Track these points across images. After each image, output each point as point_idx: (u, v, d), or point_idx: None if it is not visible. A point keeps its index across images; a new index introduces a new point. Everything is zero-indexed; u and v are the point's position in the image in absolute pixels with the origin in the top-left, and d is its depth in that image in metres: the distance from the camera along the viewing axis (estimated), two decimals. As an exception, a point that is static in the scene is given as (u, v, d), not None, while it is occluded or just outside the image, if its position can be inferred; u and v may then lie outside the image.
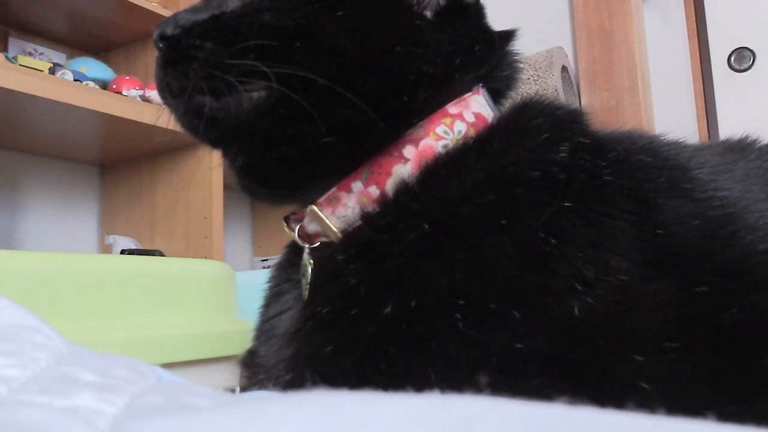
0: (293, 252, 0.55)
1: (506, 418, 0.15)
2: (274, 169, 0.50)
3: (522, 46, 0.55)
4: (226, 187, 1.64)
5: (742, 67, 1.87)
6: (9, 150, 1.62)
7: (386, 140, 0.47)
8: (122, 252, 1.57)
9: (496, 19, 0.55)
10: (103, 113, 1.39)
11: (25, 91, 1.23)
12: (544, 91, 1.47)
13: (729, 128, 1.27)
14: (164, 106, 0.52)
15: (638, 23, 1.68)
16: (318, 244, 0.49)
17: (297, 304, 0.50)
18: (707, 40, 1.91)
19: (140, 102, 1.51)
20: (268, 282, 0.57)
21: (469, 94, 0.50)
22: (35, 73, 1.31)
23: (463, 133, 0.48)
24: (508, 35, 0.54)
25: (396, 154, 0.47)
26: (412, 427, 0.15)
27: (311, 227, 0.50)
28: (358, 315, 0.41)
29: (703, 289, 0.38)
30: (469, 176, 0.44)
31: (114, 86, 1.53)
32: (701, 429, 0.15)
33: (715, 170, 0.48)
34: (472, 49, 0.50)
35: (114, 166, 1.81)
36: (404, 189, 0.45)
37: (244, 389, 0.53)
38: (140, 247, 1.65)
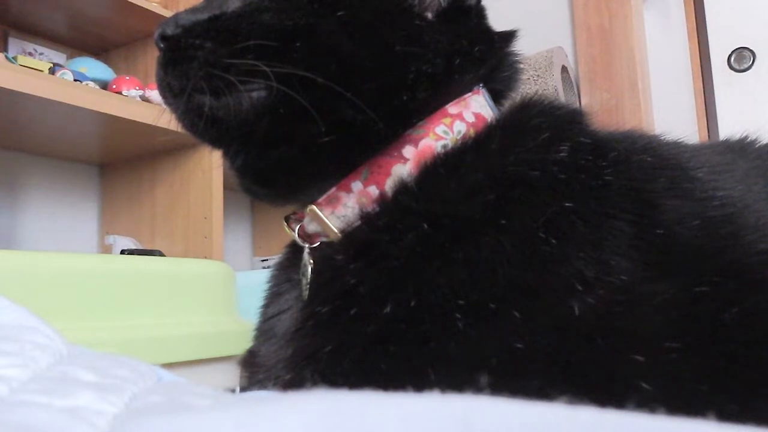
0: (293, 252, 0.55)
1: (506, 418, 0.15)
2: (273, 169, 0.50)
3: (522, 46, 0.55)
4: (226, 187, 1.64)
5: (742, 67, 1.87)
6: (9, 150, 1.62)
7: (386, 140, 0.47)
8: (122, 252, 1.57)
9: (497, 20, 0.55)
10: (103, 113, 1.39)
11: (25, 91, 1.23)
12: (544, 91, 1.47)
13: (729, 128, 1.27)
14: (165, 106, 0.52)
15: (638, 23, 1.68)
16: (318, 243, 0.49)
17: (297, 303, 0.50)
18: (707, 40, 1.91)
19: (140, 102, 1.51)
20: (268, 282, 0.57)
21: (469, 94, 0.50)
22: (35, 73, 1.31)
23: (462, 133, 0.48)
24: (509, 36, 0.54)
25: (395, 154, 0.47)
26: (412, 427, 0.15)
27: (311, 227, 0.50)
28: (358, 315, 0.41)
29: (704, 289, 0.38)
30: (468, 176, 0.44)
31: (114, 86, 1.53)
32: (701, 429, 0.15)
33: (715, 170, 0.48)
34: (473, 50, 0.50)
35: (114, 166, 1.81)
36: (403, 189, 0.45)
37: (244, 389, 0.53)
38: (140, 247, 1.65)
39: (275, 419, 0.16)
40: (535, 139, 0.45)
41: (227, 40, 0.46)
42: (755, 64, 1.85)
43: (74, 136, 1.57)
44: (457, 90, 0.49)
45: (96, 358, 0.25)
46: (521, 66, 0.56)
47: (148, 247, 1.67)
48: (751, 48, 1.86)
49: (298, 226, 0.51)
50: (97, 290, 0.84)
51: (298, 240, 0.51)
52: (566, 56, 1.69)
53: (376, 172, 0.47)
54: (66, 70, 1.43)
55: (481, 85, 0.51)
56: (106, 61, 1.72)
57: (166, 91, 0.50)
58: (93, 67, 1.59)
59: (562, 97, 1.52)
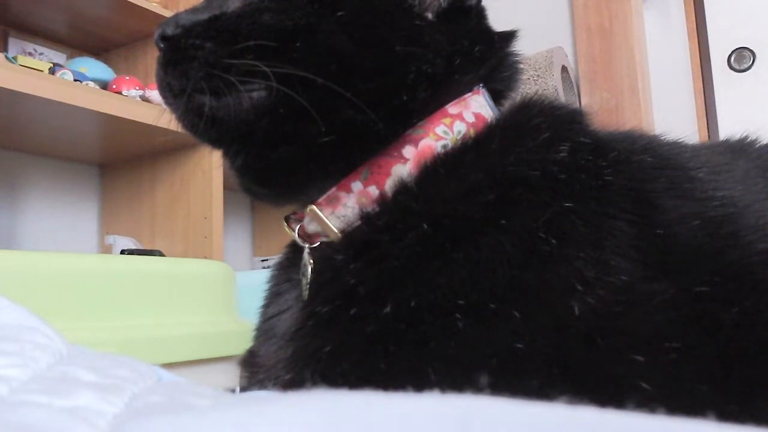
0: (293, 252, 0.55)
1: (506, 418, 0.15)
2: (273, 169, 0.50)
3: (522, 46, 0.55)
4: (226, 187, 1.64)
5: (742, 67, 1.87)
6: (9, 150, 1.62)
7: (386, 140, 0.47)
8: (122, 252, 1.57)
9: (496, 19, 0.55)
10: (103, 113, 1.39)
11: (25, 91, 1.23)
12: (544, 91, 1.47)
13: (729, 128, 1.27)
14: (165, 106, 0.52)
15: (638, 23, 1.68)
16: (318, 243, 0.49)
17: (297, 303, 0.50)
18: (707, 40, 1.91)
19: (140, 102, 1.51)
20: (268, 282, 0.57)
21: (470, 94, 0.50)
22: (35, 73, 1.31)
23: (462, 133, 0.48)
24: (509, 36, 0.54)
25: (395, 154, 0.47)
26: (412, 427, 0.15)
27: (311, 227, 0.50)
28: (358, 315, 0.41)
29: (704, 289, 0.38)
30: (468, 176, 0.44)
31: (114, 86, 1.53)
32: (701, 429, 0.15)
33: (715, 170, 0.48)
34: (473, 50, 0.50)
35: (114, 166, 1.81)
36: (403, 189, 0.45)
37: (244, 389, 0.53)
38: (140, 247, 1.65)
39: (275, 419, 0.16)
40: (535, 139, 0.45)
41: (227, 41, 0.46)
42: (755, 64, 1.85)
43: (74, 136, 1.57)
44: (457, 90, 0.49)
45: (96, 358, 0.25)
46: (521, 66, 0.56)
47: (148, 247, 1.67)
48: (751, 48, 1.86)
49: (298, 226, 0.51)
50: (97, 290, 0.84)
51: (298, 240, 0.51)
52: (566, 56, 1.69)
53: (376, 172, 0.47)
54: (66, 70, 1.43)
55: (481, 85, 0.51)
56: (106, 61, 1.72)
57: (166, 91, 0.50)
58: (93, 67, 1.59)
59: (562, 97, 1.52)
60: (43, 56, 1.65)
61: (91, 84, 1.47)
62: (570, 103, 0.97)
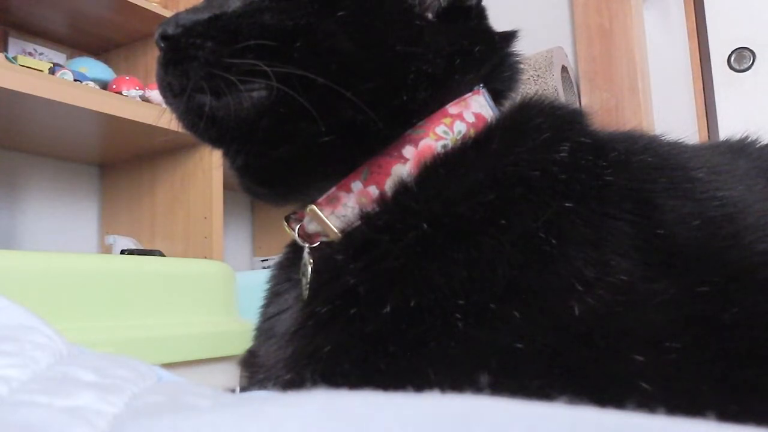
0: (293, 251, 0.55)
1: (506, 418, 0.15)
2: (274, 169, 0.50)
3: (522, 46, 0.55)
4: (226, 187, 1.64)
5: (742, 67, 1.87)
6: (9, 150, 1.62)
7: (386, 140, 0.47)
8: (122, 252, 1.57)
9: (497, 19, 0.55)
10: (103, 113, 1.39)
11: (25, 91, 1.23)
12: (544, 91, 1.47)
13: (729, 128, 1.27)
14: (165, 106, 0.52)
15: (638, 23, 1.68)
16: (318, 243, 0.49)
17: (297, 303, 0.50)
18: (707, 40, 1.91)
19: (140, 102, 1.51)
20: (268, 281, 0.57)
21: (470, 94, 0.50)
22: (35, 73, 1.31)
23: (462, 133, 0.48)
24: (509, 36, 0.54)
25: (395, 154, 0.47)
26: (412, 427, 0.15)
27: (311, 227, 0.50)
28: (358, 315, 0.41)
29: (704, 289, 0.38)
30: (468, 176, 0.44)
31: (114, 86, 1.53)
32: (701, 429, 0.15)
33: (715, 170, 0.48)
34: (473, 50, 0.50)
35: (114, 166, 1.81)
36: (403, 189, 0.45)
37: (244, 389, 0.53)
38: (140, 247, 1.65)
39: (275, 419, 0.16)
40: (535, 139, 0.45)
41: (228, 40, 0.46)
42: (755, 64, 1.85)
43: (74, 136, 1.57)
44: (457, 90, 0.49)
45: (96, 358, 0.25)
46: (521, 66, 0.56)
47: (148, 247, 1.67)
48: (751, 48, 1.86)
49: (298, 226, 0.51)
50: (97, 290, 0.84)
51: (298, 240, 0.51)
52: (566, 56, 1.69)
53: (376, 172, 0.47)
54: (66, 70, 1.43)
55: (481, 85, 0.51)
56: (106, 61, 1.72)
57: (166, 90, 0.50)
58: (93, 67, 1.59)
59: (562, 97, 1.52)
60: (43, 56, 1.65)
61: (91, 84, 1.47)
62: (570, 103, 0.97)
